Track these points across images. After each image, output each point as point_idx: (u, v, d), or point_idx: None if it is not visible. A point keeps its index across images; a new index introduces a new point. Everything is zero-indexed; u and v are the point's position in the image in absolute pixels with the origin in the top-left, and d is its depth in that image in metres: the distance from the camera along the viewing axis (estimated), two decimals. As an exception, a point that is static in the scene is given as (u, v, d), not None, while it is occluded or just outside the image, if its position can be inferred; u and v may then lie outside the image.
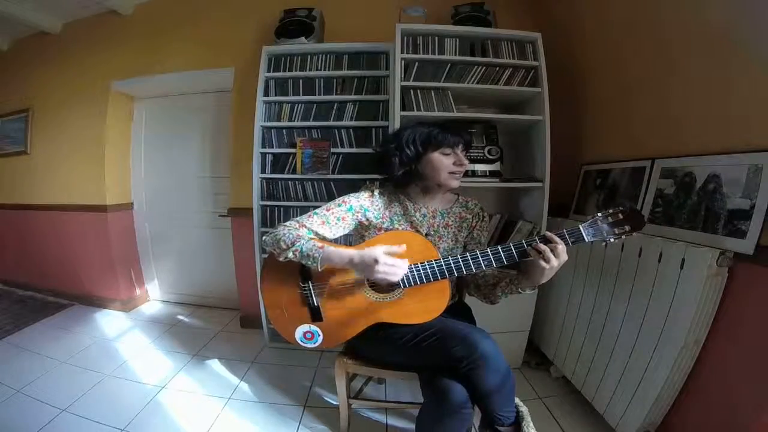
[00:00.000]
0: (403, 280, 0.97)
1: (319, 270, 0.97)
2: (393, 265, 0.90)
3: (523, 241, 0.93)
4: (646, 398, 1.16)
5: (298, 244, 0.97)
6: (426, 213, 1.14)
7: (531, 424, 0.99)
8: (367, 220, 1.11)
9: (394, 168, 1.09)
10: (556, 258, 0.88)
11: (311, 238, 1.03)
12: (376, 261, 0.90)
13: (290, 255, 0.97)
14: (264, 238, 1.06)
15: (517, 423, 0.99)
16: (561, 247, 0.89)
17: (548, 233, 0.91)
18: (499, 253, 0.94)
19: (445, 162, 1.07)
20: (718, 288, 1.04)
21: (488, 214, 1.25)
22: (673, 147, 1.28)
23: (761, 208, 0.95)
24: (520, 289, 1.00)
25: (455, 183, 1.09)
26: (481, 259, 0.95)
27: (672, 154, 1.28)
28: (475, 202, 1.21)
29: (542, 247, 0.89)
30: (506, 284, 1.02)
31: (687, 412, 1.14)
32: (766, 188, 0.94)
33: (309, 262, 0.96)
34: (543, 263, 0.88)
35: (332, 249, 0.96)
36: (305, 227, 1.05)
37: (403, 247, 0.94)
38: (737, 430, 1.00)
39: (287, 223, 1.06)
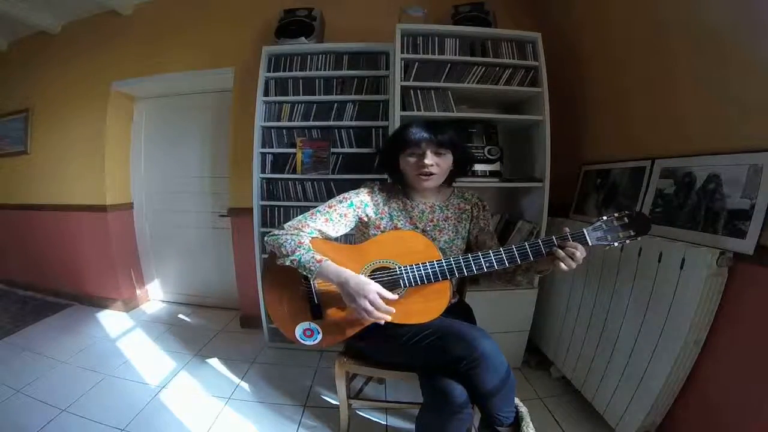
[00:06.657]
0: (404, 279, 0.98)
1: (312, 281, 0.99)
2: (372, 310, 0.91)
3: (526, 243, 0.92)
4: (646, 398, 1.16)
5: (297, 253, 0.98)
6: (424, 209, 1.14)
7: (530, 425, 0.99)
8: (368, 216, 1.11)
9: (382, 169, 1.14)
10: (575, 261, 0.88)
11: (313, 239, 1.03)
12: (365, 296, 0.91)
13: (288, 263, 0.98)
14: (267, 238, 1.06)
15: (517, 423, 0.99)
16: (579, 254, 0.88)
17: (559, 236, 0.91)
18: (501, 254, 0.93)
19: (410, 163, 1.07)
20: (718, 288, 1.04)
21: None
22: (673, 147, 1.28)
23: (761, 208, 0.95)
24: (538, 273, 1.02)
25: (426, 184, 1.07)
26: (482, 259, 0.95)
27: (672, 154, 1.28)
28: (472, 192, 1.22)
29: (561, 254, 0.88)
30: (524, 270, 1.04)
31: (687, 412, 1.14)
32: (766, 188, 0.94)
33: (305, 273, 0.98)
34: (563, 266, 0.89)
35: (330, 265, 0.96)
36: (309, 227, 1.05)
37: (395, 296, 0.95)
38: (737, 430, 1.00)
39: (291, 223, 1.06)
